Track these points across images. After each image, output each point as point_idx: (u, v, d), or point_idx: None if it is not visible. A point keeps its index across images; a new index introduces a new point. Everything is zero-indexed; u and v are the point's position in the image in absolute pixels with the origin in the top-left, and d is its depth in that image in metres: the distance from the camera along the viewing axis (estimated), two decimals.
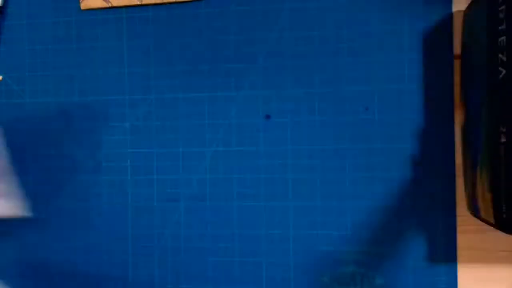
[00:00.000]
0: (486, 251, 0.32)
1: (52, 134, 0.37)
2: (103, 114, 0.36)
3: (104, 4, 0.36)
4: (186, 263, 0.35)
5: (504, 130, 0.25)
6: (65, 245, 0.37)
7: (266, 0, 0.34)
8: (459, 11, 0.32)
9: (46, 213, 0.37)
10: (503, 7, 0.24)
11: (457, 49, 0.32)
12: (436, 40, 0.32)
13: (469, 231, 0.32)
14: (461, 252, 0.32)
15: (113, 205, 0.36)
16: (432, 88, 0.32)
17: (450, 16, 0.32)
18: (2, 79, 0.37)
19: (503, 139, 0.25)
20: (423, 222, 0.32)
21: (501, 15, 0.25)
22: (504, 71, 0.24)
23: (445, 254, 0.32)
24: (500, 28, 0.25)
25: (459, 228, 0.32)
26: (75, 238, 0.36)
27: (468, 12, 0.30)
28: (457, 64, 0.32)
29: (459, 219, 0.32)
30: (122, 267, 0.36)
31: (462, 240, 0.32)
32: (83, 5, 0.36)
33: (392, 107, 0.33)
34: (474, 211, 0.30)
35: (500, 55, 0.25)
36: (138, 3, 0.35)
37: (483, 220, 0.28)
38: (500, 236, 0.32)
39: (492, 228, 0.29)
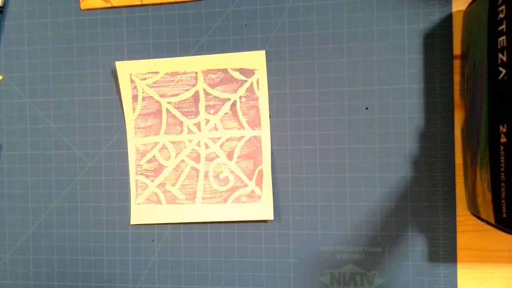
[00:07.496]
0: (486, 251, 0.32)
1: None
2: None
3: (104, 4, 0.36)
4: (187, 261, 0.35)
5: (504, 130, 0.25)
6: None
7: (266, 1, 0.34)
8: (459, 11, 0.32)
9: None
10: (503, 7, 0.24)
11: (457, 49, 0.32)
12: (436, 40, 0.32)
13: (469, 231, 0.32)
14: (461, 252, 0.32)
15: None
16: (432, 88, 0.32)
17: (450, 16, 0.32)
18: (2, 79, 0.37)
19: (503, 139, 0.25)
20: (423, 222, 0.32)
21: (501, 15, 0.25)
22: (504, 71, 0.24)
23: (445, 254, 0.32)
24: (500, 28, 0.25)
25: (459, 228, 0.32)
26: None
27: (468, 12, 0.30)
28: (457, 64, 0.32)
29: (459, 219, 0.32)
30: None
31: (462, 240, 0.32)
32: (83, 5, 0.36)
33: (392, 107, 0.33)
34: (474, 211, 0.30)
35: (500, 55, 0.25)
36: (138, 3, 0.35)
37: (483, 220, 0.28)
38: (500, 236, 0.32)
39: (492, 228, 0.29)
